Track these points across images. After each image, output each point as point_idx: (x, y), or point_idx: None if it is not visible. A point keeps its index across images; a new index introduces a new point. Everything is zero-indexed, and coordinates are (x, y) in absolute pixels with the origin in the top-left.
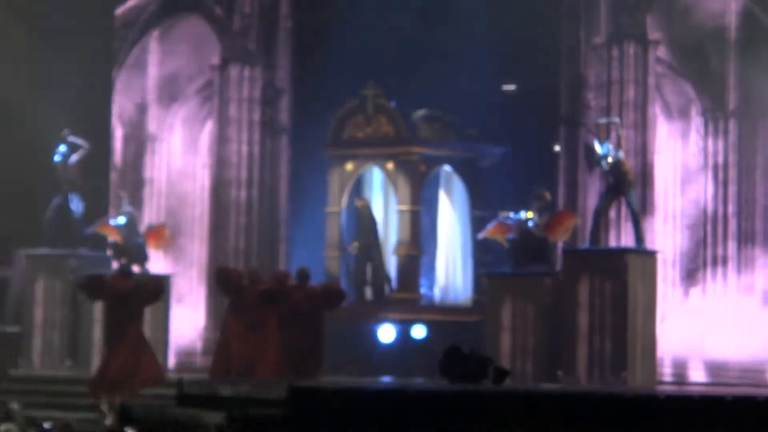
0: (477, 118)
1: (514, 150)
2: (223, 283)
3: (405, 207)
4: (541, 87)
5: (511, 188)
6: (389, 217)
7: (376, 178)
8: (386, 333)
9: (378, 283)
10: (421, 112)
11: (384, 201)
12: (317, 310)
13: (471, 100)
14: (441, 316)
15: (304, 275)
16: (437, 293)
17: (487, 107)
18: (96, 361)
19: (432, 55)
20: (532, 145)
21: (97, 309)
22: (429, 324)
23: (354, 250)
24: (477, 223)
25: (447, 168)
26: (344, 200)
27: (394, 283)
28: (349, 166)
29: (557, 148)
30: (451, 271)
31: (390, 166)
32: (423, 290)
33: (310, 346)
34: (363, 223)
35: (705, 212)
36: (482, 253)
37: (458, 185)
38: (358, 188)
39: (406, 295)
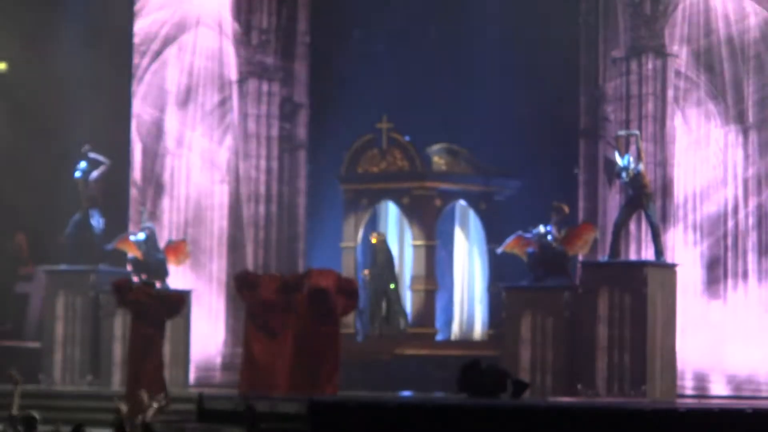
0: (494, 150)
1: (531, 183)
2: (240, 283)
3: (420, 242)
4: (560, 111)
5: (528, 222)
6: (404, 252)
7: (391, 212)
8: None
9: (394, 318)
10: (435, 146)
11: (399, 235)
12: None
13: (487, 132)
14: (457, 351)
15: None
16: (454, 328)
17: (504, 138)
18: (117, 377)
19: (447, 83)
20: (549, 177)
21: (118, 325)
22: (445, 359)
23: (366, 278)
24: (492, 257)
25: (462, 202)
26: (359, 235)
27: (409, 318)
28: (364, 201)
29: (576, 170)
30: (467, 305)
31: (405, 200)
32: (438, 324)
33: (325, 352)
34: (379, 257)
35: (725, 225)
36: (497, 289)
37: (474, 219)
38: (374, 222)
39: (422, 330)
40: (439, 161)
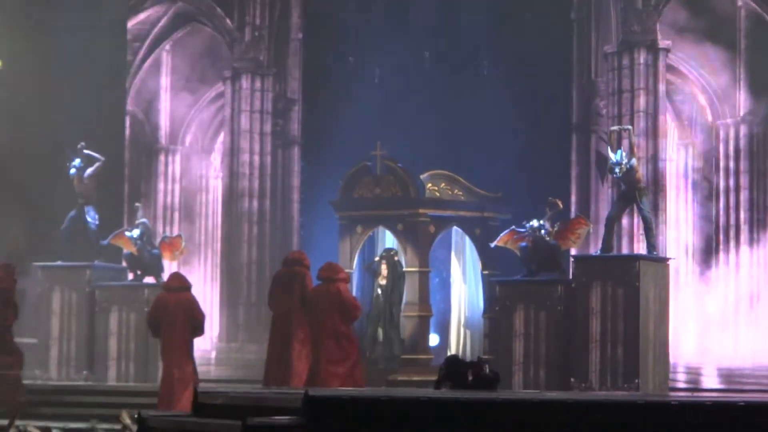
0: (488, 175)
1: (527, 206)
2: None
3: (414, 268)
4: (554, 134)
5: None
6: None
7: (388, 238)
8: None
9: (388, 343)
10: (429, 173)
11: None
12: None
13: (482, 157)
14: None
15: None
16: (450, 354)
17: (499, 163)
18: (113, 372)
19: (441, 111)
20: (544, 202)
21: (113, 320)
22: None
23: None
24: (487, 284)
25: (457, 228)
26: (355, 262)
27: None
28: (359, 228)
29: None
30: (462, 331)
31: (399, 227)
32: (433, 344)
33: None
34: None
35: (717, 219)
36: (492, 314)
37: (470, 245)
38: (370, 248)
39: (416, 356)
40: (432, 188)
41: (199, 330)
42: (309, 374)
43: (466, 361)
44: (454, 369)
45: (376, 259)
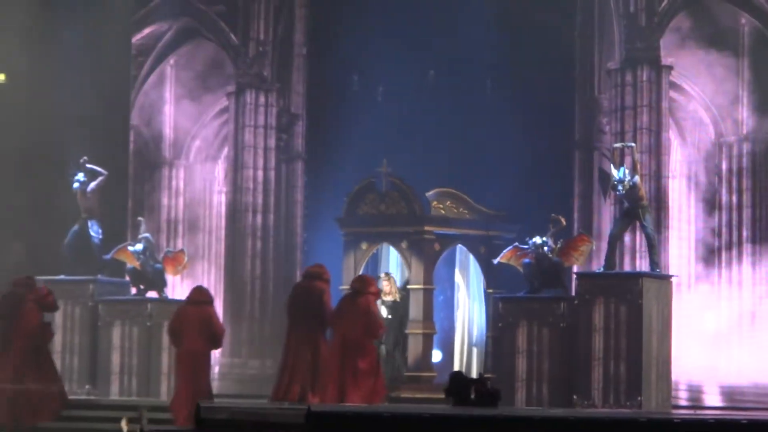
0: (492, 193)
1: (531, 224)
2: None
3: (418, 286)
4: (557, 151)
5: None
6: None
7: (392, 255)
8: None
9: (392, 360)
10: (434, 190)
11: (400, 278)
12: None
13: (487, 175)
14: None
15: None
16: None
17: (504, 180)
18: (116, 387)
19: (445, 128)
20: (548, 218)
21: (116, 334)
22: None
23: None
24: (491, 302)
25: (462, 246)
26: None
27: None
28: (363, 244)
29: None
30: (466, 349)
31: (403, 244)
32: (436, 361)
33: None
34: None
35: (719, 236)
36: (495, 332)
37: (474, 263)
38: (374, 265)
39: (420, 374)
40: (437, 205)
41: (217, 343)
42: (331, 388)
43: (469, 378)
44: (457, 385)
45: (381, 275)
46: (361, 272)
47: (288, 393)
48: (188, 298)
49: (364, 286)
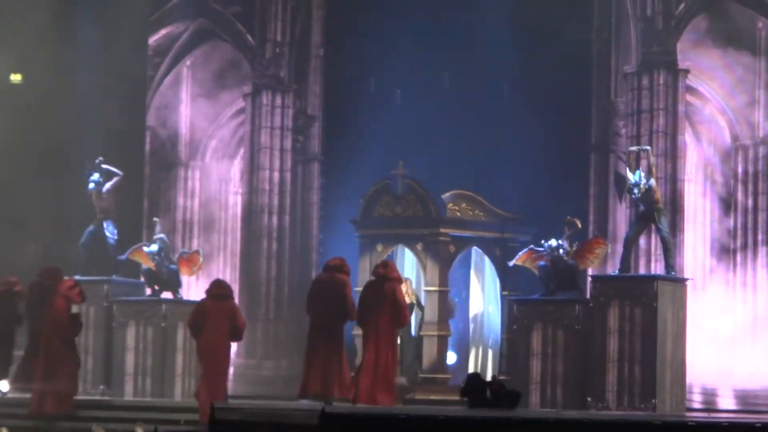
0: (508, 195)
1: (547, 226)
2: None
3: (433, 288)
4: (573, 154)
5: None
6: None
7: (408, 256)
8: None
9: (408, 363)
10: (450, 192)
11: (415, 280)
12: None
13: (503, 177)
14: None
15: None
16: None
17: (519, 183)
18: (130, 387)
19: (462, 131)
20: (563, 221)
21: (130, 335)
22: (458, 404)
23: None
24: (506, 304)
25: (477, 249)
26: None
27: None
28: (379, 246)
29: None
30: (481, 351)
31: (419, 246)
32: (451, 363)
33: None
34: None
35: (735, 239)
36: (510, 334)
37: (489, 266)
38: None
39: (435, 375)
40: (453, 207)
41: (238, 336)
42: (365, 382)
43: (485, 380)
44: (473, 386)
45: None
46: None
47: (312, 387)
48: (209, 292)
49: (389, 272)
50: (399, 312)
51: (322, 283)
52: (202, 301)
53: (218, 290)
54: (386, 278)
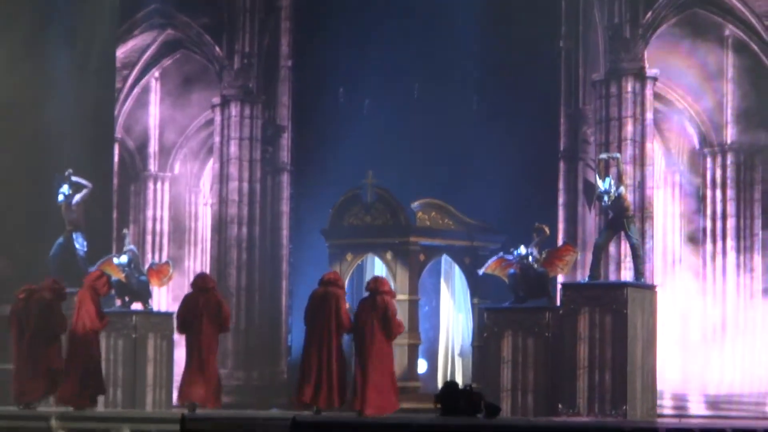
0: (477, 204)
1: (516, 234)
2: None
3: (403, 296)
4: (542, 162)
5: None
6: None
7: (378, 265)
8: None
9: None
10: (419, 201)
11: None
12: None
13: (471, 186)
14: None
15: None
16: (439, 382)
17: (488, 191)
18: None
19: (431, 140)
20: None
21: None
22: (428, 412)
23: None
24: (476, 312)
25: (447, 257)
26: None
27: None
28: (348, 255)
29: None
30: (450, 359)
31: (389, 255)
32: (421, 371)
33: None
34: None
35: (704, 246)
36: (480, 342)
37: (459, 274)
38: (359, 276)
39: (405, 384)
40: (423, 216)
41: (225, 326)
42: (360, 391)
43: (460, 389)
44: (448, 395)
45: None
46: (346, 283)
47: (306, 396)
48: (195, 285)
49: (379, 286)
50: (390, 322)
51: (317, 297)
52: (190, 295)
53: (204, 283)
54: (378, 292)
